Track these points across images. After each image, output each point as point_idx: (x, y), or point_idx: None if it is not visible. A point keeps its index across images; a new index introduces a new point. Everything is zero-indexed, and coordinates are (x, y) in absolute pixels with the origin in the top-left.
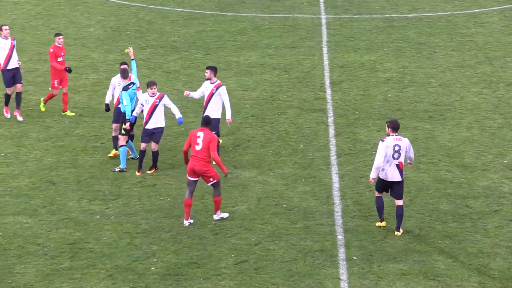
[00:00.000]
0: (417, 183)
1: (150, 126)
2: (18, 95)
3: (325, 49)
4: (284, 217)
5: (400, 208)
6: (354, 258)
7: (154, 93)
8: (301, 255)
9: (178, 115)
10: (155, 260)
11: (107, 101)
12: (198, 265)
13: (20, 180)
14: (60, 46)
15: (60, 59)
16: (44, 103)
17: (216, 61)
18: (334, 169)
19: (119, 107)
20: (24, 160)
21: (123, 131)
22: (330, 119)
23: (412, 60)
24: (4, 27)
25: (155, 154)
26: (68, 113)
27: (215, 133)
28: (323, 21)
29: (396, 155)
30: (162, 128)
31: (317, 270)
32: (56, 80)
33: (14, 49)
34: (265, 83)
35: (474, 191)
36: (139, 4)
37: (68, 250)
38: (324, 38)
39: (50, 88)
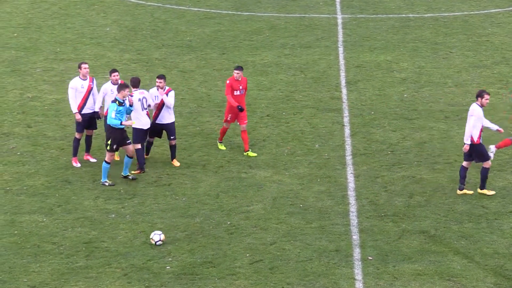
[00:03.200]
0: (432, 183)
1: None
2: (88, 138)
3: (341, 49)
4: (299, 216)
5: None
6: (369, 258)
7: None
8: (316, 255)
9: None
10: (170, 259)
11: (97, 109)
12: (213, 264)
13: (36, 179)
14: (239, 79)
15: (237, 93)
16: (220, 142)
17: (232, 61)
18: (350, 169)
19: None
20: (40, 159)
21: (108, 147)
22: (346, 119)
23: (428, 60)
24: (83, 65)
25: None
26: (250, 153)
27: (173, 138)
28: (339, 21)
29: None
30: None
31: (332, 270)
32: (230, 115)
33: (93, 91)
34: (281, 83)
35: None
36: (155, 4)
37: (84, 249)
38: (340, 38)
39: (223, 122)
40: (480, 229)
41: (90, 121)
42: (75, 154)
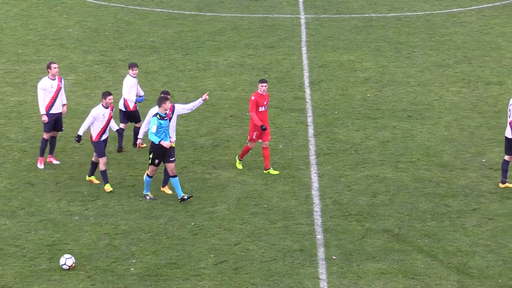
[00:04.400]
0: (396, 182)
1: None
2: (53, 139)
3: (304, 49)
4: (263, 217)
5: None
6: (334, 257)
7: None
8: (280, 254)
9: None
10: (134, 261)
11: (80, 132)
12: (177, 265)
13: None
14: (264, 94)
15: (261, 109)
16: (240, 160)
17: (195, 61)
18: (314, 169)
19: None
20: (2, 161)
21: (150, 161)
22: (309, 119)
23: (391, 60)
24: (53, 65)
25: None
26: (271, 171)
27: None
28: (302, 21)
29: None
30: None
31: (296, 270)
32: (255, 133)
33: (61, 91)
34: (244, 83)
35: (453, 190)
36: (118, 5)
37: (47, 251)
38: (303, 38)
39: (247, 141)
40: (443, 227)
41: (56, 122)
42: (41, 154)
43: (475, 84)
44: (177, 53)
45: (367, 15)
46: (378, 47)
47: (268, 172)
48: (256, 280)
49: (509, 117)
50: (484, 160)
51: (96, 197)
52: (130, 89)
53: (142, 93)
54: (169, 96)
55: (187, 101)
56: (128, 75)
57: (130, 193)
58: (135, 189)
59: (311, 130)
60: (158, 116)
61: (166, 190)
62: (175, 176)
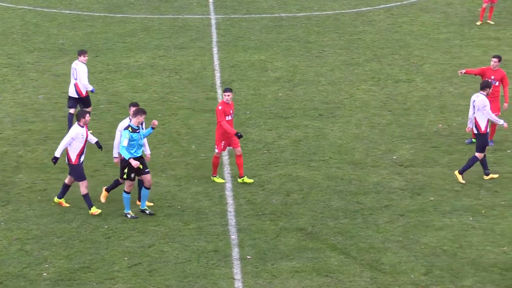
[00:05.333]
0: (308, 181)
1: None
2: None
3: (215, 49)
4: (177, 218)
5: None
6: (248, 257)
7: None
8: (195, 256)
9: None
10: (46, 265)
11: (57, 154)
12: (91, 269)
13: None
14: (229, 103)
15: (228, 118)
16: (215, 176)
17: (106, 63)
18: (227, 169)
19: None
20: None
21: (125, 176)
22: None
23: (302, 59)
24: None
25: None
26: (246, 179)
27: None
28: (213, 22)
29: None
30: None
31: (211, 271)
32: (223, 142)
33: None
34: (156, 85)
35: (364, 187)
36: (25, 7)
37: None
38: (214, 38)
39: (216, 152)
40: (355, 224)
41: None
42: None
43: (384, 82)
44: (87, 55)
45: (277, 15)
46: (289, 46)
47: (243, 180)
48: (171, 282)
49: (473, 113)
50: (394, 157)
51: (7, 202)
52: (87, 76)
53: None
54: (145, 111)
55: (97, 103)
56: (81, 63)
57: (41, 197)
58: (46, 193)
59: None
60: (130, 129)
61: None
62: (149, 188)
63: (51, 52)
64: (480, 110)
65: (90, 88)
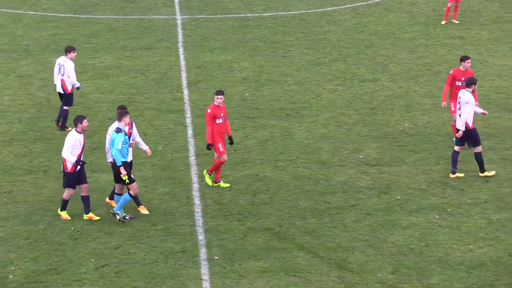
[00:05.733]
0: (275, 181)
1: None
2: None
3: (181, 50)
4: (144, 219)
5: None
6: (216, 257)
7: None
8: (162, 257)
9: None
10: (13, 268)
11: (73, 160)
12: (57, 271)
13: None
14: (220, 105)
15: (219, 121)
16: (209, 173)
17: None
18: (194, 170)
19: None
20: None
21: (127, 179)
22: (188, 120)
23: (268, 59)
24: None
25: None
26: (222, 184)
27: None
28: (179, 22)
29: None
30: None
31: (179, 271)
32: (219, 144)
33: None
34: (122, 85)
35: (331, 186)
36: None
37: None
38: (180, 38)
39: (216, 155)
40: (323, 224)
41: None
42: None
43: (350, 82)
44: (52, 56)
45: (243, 15)
46: (255, 46)
47: (219, 185)
48: (138, 283)
49: (459, 109)
50: (361, 157)
51: None
52: (74, 73)
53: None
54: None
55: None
56: (68, 59)
57: (7, 199)
58: (12, 195)
59: (190, 131)
60: (123, 132)
61: (142, 209)
62: (121, 195)
63: (16, 53)
64: (464, 106)
65: (77, 85)
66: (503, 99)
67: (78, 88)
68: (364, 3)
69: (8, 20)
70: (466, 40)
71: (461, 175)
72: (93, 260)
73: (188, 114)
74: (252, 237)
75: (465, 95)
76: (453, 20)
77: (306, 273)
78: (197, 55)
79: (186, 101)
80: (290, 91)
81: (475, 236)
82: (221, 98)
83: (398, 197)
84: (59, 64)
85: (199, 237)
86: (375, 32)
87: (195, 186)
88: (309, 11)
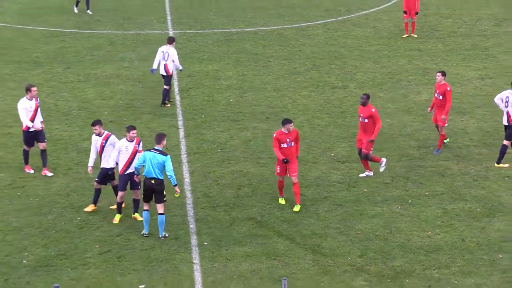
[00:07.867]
0: (258, 176)
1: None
2: (43, 153)
3: None
4: (141, 210)
5: None
6: (205, 243)
7: (133, 138)
8: (158, 243)
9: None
10: (26, 254)
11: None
12: (66, 256)
13: None
14: (287, 132)
15: (284, 145)
16: (281, 196)
17: (76, 74)
18: (185, 167)
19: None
20: None
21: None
22: (180, 122)
23: (250, 69)
24: (33, 88)
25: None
26: (296, 207)
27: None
28: None
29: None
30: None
31: (172, 256)
32: (278, 166)
33: (38, 110)
34: (121, 92)
35: (306, 181)
36: (2, 24)
37: None
38: None
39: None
40: (299, 214)
41: (37, 135)
42: (26, 163)
43: (323, 89)
44: (60, 66)
45: (227, 30)
46: (238, 58)
47: (296, 209)
48: (137, 266)
49: (506, 107)
50: (332, 155)
51: None
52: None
53: (180, 67)
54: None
55: (69, 109)
56: (171, 47)
57: (20, 193)
58: (24, 190)
59: (181, 132)
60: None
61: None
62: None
63: (27, 64)
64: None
65: (181, 67)
66: (456, 104)
67: (180, 70)
68: (334, 19)
69: (20, 34)
70: (424, 52)
71: (506, 165)
72: (97, 246)
73: (180, 117)
74: (237, 225)
75: (507, 93)
76: (412, 34)
77: (285, 257)
78: (187, 65)
79: (178, 106)
80: (270, 97)
81: (432, 224)
82: (291, 125)
83: (365, 190)
84: (162, 52)
85: (190, 225)
86: (344, 45)
87: (187, 181)
88: (286, 26)
